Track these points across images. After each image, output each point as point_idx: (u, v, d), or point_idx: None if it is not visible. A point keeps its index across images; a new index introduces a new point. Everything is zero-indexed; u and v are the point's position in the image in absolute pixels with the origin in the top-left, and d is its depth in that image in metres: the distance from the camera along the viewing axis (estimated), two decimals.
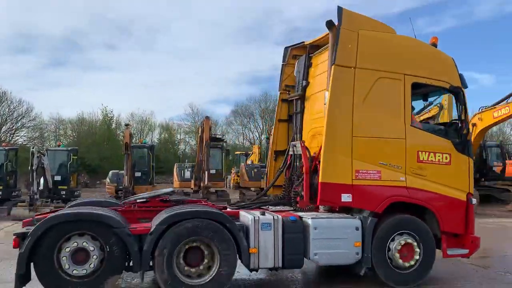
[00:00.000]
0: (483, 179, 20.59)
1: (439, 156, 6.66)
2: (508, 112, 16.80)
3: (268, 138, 18.61)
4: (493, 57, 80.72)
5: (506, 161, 21.22)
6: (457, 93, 6.96)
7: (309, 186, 6.56)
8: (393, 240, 6.26)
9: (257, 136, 57.21)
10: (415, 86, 6.75)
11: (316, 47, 7.74)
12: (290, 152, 7.37)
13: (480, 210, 16.35)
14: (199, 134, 16.02)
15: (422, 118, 9.15)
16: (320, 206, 6.60)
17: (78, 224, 5.26)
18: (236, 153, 37.18)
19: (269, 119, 56.40)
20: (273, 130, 8.55)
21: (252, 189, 21.36)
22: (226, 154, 21.24)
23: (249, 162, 28.96)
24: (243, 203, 7.28)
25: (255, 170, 21.29)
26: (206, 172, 14.97)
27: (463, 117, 6.94)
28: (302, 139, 7.22)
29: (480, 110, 17.98)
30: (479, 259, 8.10)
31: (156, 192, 6.87)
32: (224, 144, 22.27)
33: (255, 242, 5.76)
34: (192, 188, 18.71)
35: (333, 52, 6.31)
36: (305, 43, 8.00)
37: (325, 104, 6.32)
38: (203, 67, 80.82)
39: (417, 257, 6.29)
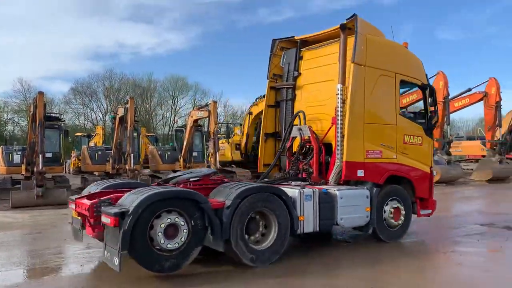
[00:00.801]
0: None
1: (416, 138, 8.35)
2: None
3: (114, 118, 17.32)
4: None
5: None
6: (425, 89, 8.64)
7: (318, 164, 7.81)
8: (387, 204, 7.75)
9: (101, 116, 53.25)
10: (401, 83, 8.21)
11: (305, 42, 8.86)
12: (294, 135, 8.30)
13: None
14: (31, 113, 14.10)
15: None
16: (330, 180, 7.59)
17: (167, 202, 5.63)
18: (76, 134, 34.30)
19: (114, 99, 51.62)
20: (262, 115, 9.75)
21: (96, 173, 19.87)
22: (64, 135, 19.25)
23: (92, 144, 26.99)
24: (267, 180, 8.09)
25: (99, 152, 19.77)
26: (40, 155, 13.23)
27: (433, 109, 8.66)
28: (295, 123, 8.38)
29: None
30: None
31: (201, 171, 7.58)
32: (62, 124, 20.17)
33: (301, 211, 6.69)
34: (23, 174, 16.56)
35: (344, 52, 7.48)
36: (295, 38, 8.98)
37: (337, 94, 7.40)
38: (36, 38, 72.47)
39: (402, 217, 7.89)
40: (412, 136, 8.31)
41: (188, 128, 18.16)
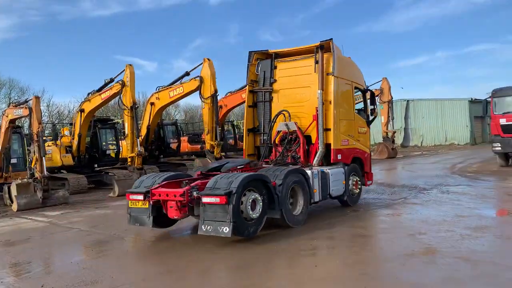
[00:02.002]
0: (161, 156, 21.58)
1: (363, 129, 11.19)
2: (182, 91, 17.69)
3: None
4: (156, 45, 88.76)
5: (181, 138, 23.02)
6: (366, 92, 11.42)
7: (306, 152, 9.94)
8: (349, 179, 10.24)
9: None
10: (354, 88, 10.90)
11: (277, 55, 10.82)
12: (281, 129, 10.10)
13: None
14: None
15: None
16: (314, 163, 9.58)
17: (251, 183, 7.31)
18: None
19: None
20: (244, 115, 11.41)
21: None
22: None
23: None
24: (242, 163, 9.38)
25: None
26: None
27: (372, 107, 11.46)
28: (273, 120, 10.36)
29: (157, 89, 18.39)
30: None
31: (244, 160, 9.64)
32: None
33: (313, 186, 8.86)
34: None
35: (322, 66, 9.74)
36: (269, 51, 10.94)
37: (318, 98, 9.64)
38: None
39: (359, 187, 10.67)
40: (361, 128, 11.13)
41: (2, 131, 15.21)
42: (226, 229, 6.72)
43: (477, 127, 45.93)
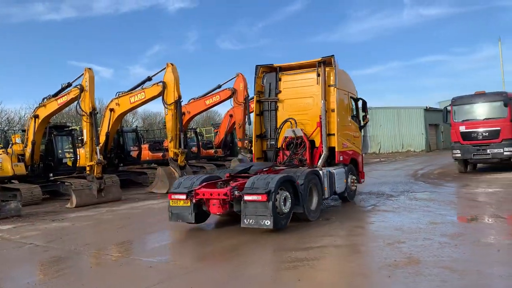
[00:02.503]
0: (121, 164, 20.69)
1: (357, 133, 12.55)
2: (144, 97, 17.06)
3: None
4: (112, 51, 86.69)
5: (142, 145, 22.19)
6: (358, 101, 12.68)
7: (310, 154, 11.02)
8: (348, 177, 11.48)
9: None
10: (350, 98, 12.13)
11: (280, 68, 11.83)
12: (288, 135, 11.16)
13: (124, 195, 15.97)
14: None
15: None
16: (318, 164, 10.63)
17: (283, 183, 8.39)
18: None
19: None
20: (253, 122, 12.53)
21: None
22: None
23: None
24: (267, 166, 10.32)
25: None
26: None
27: (364, 114, 12.86)
28: (278, 127, 11.48)
29: (117, 95, 17.65)
30: None
31: (266, 164, 10.84)
32: None
33: (324, 184, 10.08)
34: None
35: (324, 79, 10.97)
36: (274, 65, 11.90)
37: (322, 107, 10.81)
38: None
39: (355, 185, 12.09)
40: (355, 132, 12.47)
41: None
42: (267, 222, 7.91)
43: (432, 135, 47.57)
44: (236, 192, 8.36)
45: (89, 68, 14.93)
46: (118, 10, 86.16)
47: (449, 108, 18.36)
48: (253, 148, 12.10)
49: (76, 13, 79.76)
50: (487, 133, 17.10)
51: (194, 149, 24.12)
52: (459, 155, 17.77)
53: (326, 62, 11.08)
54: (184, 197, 8.74)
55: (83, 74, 15.05)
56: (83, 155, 16.36)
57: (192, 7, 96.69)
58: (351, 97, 12.23)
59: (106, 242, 8.68)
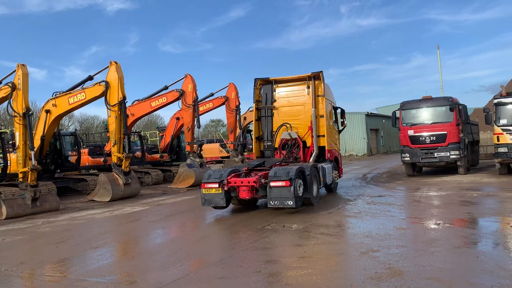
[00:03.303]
0: (58, 170, 19.03)
1: (337, 135, 15.08)
2: (85, 97, 15.79)
3: None
4: (45, 52, 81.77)
5: (82, 150, 20.58)
6: (337, 109, 15.09)
7: (303, 152, 13.21)
8: (333, 172, 13.59)
9: None
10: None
11: (275, 81, 13.92)
12: (284, 137, 13.32)
13: (63, 204, 14.56)
14: None
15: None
16: (310, 161, 12.66)
17: (298, 172, 10.25)
18: None
19: None
20: (253, 126, 14.64)
21: None
22: None
23: None
24: (278, 161, 12.50)
25: None
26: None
27: (342, 119, 15.28)
28: (274, 130, 13.75)
29: (54, 95, 16.20)
30: None
31: (276, 160, 12.65)
32: None
33: (321, 175, 12.17)
34: None
35: (314, 91, 13.30)
36: (270, 78, 13.94)
37: (312, 114, 13.13)
38: None
39: (338, 178, 14.60)
40: (336, 135, 15.01)
41: None
42: (290, 202, 9.88)
43: (372, 139, 48.98)
44: (262, 180, 10.41)
45: (22, 64, 13.46)
46: (52, 8, 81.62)
47: (397, 112, 18.63)
48: (253, 148, 14.21)
49: (5, 10, 74.42)
50: (434, 137, 17.48)
51: (138, 153, 22.85)
52: (408, 158, 18.04)
53: (315, 76, 13.34)
54: (216, 185, 10.62)
55: (15, 71, 13.56)
56: (15, 161, 14.76)
57: (132, 9, 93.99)
58: (332, 106, 14.51)
59: (44, 260, 7.57)
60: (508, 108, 16.18)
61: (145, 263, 6.93)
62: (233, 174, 10.99)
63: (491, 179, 15.78)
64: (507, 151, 15.93)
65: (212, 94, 23.79)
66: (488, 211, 9.69)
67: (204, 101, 23.70)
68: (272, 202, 10.04)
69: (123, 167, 16.05)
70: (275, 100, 13.83)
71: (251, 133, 33.52)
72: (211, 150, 32.61)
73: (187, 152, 20.74)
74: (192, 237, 8.97)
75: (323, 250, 7.14)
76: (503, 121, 16.17)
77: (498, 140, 16.21)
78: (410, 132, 17.95)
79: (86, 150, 21.61)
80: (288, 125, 13.47)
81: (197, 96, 20.25)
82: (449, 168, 19.40)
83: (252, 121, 31.46)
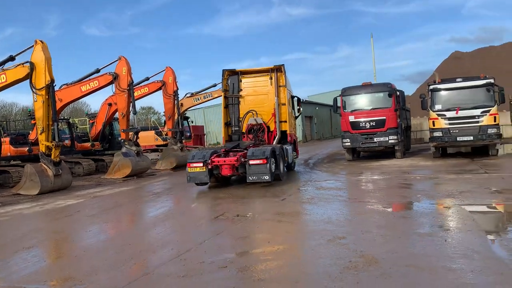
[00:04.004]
0: None
1: (294, 122, 16.75)
2: (5, 80, 14.22)
3: None
4: None
5: (2, 139, 18.54)
6: (294, 98, 16.34)
7: (267, 136, 14.74)
8: (292, 153, 15.43)
9: None
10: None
11: (241, 72, 15.39)
12: (251, 122, 14.86)
13: None
14: None
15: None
16: (274, 143, 14.15)
17: (271, 152, 11.85)
18: None
19: None
20: (222, 113, 15.46)
21: None
22: None
23: None
24: (250, 143, 13.80)
25: None
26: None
27: (298, 107, 16.69)
28: (241, 117, 15.17)
29: None
30: None
31: (250, 142, 13.91)
32: None
33: (285, 155, 13.85)
34: None
35: (277, 81, 14.81)
36: (236, 70, 15.38)
37: (275, 102, 14.61)
38: None
39: (296, 158, 16.56)
40: (294, 121, 16.57)
41: None
42: (266, 177, 11.52)
43: (307, 126, 49.85)
44: (242, 159, 12.08)
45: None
46: None
47: (339, 98, 18.79)
48: (222, 133, 15.32)
49: None
50: (374, 123, 17.86)
51: (67, 142, 21.13)
52: (349, 144, 18.30)
53: (278, 69, 14.88)
54: (201, 164, 12.06)
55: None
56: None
57: None
58: (291, 95, 15.85)
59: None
60: (443, 94, 16.87)
61: (91, 263, 6.13)
62: (215, 155, 12.57)
63: (427, 163, 16.41)
64: (441, 135, 16.63)
65: (147, 78, 22.44)
66: (437, 194, 9.88)
67: (139, 85, 22.35)
68: (251, 177, 11.63)
69: (52, 156, 14.65)
70: (241, 90, 15.26)
71: (188, 120, 32.81)
72: (146, 138, 31.14)
73: (122, 140, 19.44)
74: (141, 231, 8.23)
75: (287, 239, 6.77)
76: (438, 107, 16.83)
77: (434, 125, 16.87)
78: (351, 118, 18.20)
79: (8, 139, 19.57)
80: (254, 112, 15.00)
81: (132, 80, 19.01)
82: (385, 153, 20.01)
83: (189, 107, 30.94)
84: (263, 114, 14.93)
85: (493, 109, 16.14)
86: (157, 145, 30.16)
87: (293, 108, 16.16)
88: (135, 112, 19.33)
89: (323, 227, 7.25)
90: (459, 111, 16.36)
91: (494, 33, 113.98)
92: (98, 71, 19.17)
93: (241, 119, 15.10)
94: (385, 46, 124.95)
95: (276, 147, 12.89)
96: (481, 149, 17.87)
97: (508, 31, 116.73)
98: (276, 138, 14.46)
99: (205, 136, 41.89)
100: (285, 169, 13.75)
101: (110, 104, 22.61)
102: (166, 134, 28.77)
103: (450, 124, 16.51)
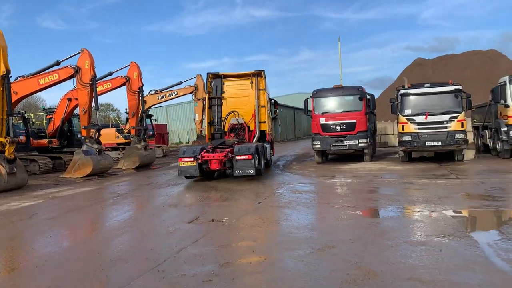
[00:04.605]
0: None
1: (272, 123, 17.64)
2: None
3: None
4: None
5: None
6: (271, 100, 17.71)
7: (248, 135, 16.21)
8: (270, 150, 16.96)
9: None
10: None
11: (224, 76, 16.75)
12: (233, 122, 16.33)
13: None
14: None
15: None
16: (253, 141, 15.41)
17: (256, 149, 13.25)
18: None
19: None
20: (206, 113, 17.33)
21: None
22: None
23: None
24: (234, 141, 15.17)
25: None
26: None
27: (275, 109, 18.37)
28: (224, 117, 16.57)
29: None
30: None
31: (235, 140, 15.35)
32: None
33: (265, 152, 15.33)
34: None
35: (257, 85, 16.36)
36: (220, 73, 16.65)
37: (255, 104, 16.13)
38: None
39: (273, 155, 18.31)
40: (271, 122, 17.48)
41: None
42: (251, 171, 12.87)
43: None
44: (229, 155, 13.39)
45: None
46: None
47: (309, 100, 18.57)
48: (206, 131, 17.09)
49: None
50: (344, 125, 17.74)
51: (22, 138, 19.79)
52: (319, 146, 18.11)
53: (258, 74, 16.33)
54: (191, 159, 13.23)
55: None
56: None
57: None
58: (269, 98, 17.02)
59: None
60: (412, 98, 16.97)
61: (54, 276, 5.44)
62: (204, 151, 13.75)
63: (397, 167, 16.44)
64: (411, 139, 16.72)
65: (111, 73, 21.29)
66: (416, 200, 9.65)
67: (102, 80, 21.24)
68: (237, 171, 12.98)
69: (6, 153, 13.56)
70: (224, 92, 16.63)
71: (152, 118, 31.74)
72: (107, 136, 29.79)
73: (82, 138, 18.36)
74: (109, 237, 7.53)
75: (273, 248, 6.31)
76: (407, 111, 16.91)
77: (403, 129, 16.94)
78: (322, 120, 18.01)
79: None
80: (235, 113, 16.42)
81: (95, 74, 18.00)
82: (354, 156, 19.95)
83: (152, 105, 29.93)
84: (244, 114, 16.40)
85: (461, 115, 16.38)
86: (118, 144, 29.03)
87: (270, 110, 17.23)
88: (97, 108, 18.34)
89: (308, 234, 6.86)
90: (428, 116, 16.48)
91: (447, 43, 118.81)
92: (58, 63, 18.05)
93: (223, 119, 16.51)
94: (344, 51, 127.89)
95: (258, 145, 13.96)
96: (443, 154, 18.14)
97: (460, 41, 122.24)
98: (256, 137, 15.95)
99: (168, 135, 40.86)
100: (264, 165, 14.82)
101: (69, 99, 21.41)
102: (128, 132, 27.69)
103: (419, 129, 16.63)
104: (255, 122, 16.11)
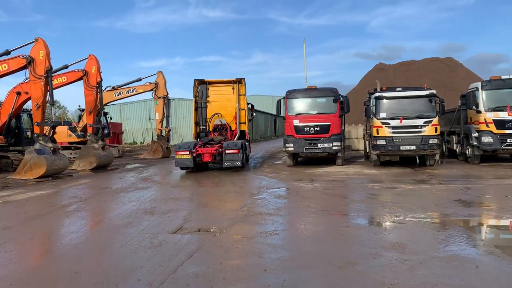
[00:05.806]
0: None
1: (248, 123, 19.68)
2: None
3: None
4: None
5: None
6: (248, 104, 19.57)
7: (230, 134, 18.49)
8: (248, 147, 19.10)
9: None
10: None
11: (209, 82, 19.24)
12: (217, 123, 18.76)
13: None
14: None
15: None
16: (234, 139, 17.69)
17: (242, 145, 16.18)
18: None
19: None
20: (193, 114, 19.37)
21: None
22: None
23: None
24: (221, 139, 17.67)
25: None
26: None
27: (252, 112, 20.55)
28: (209, 118, 19.11)
29: None
30: None
31: (221, 138, 17.77)
32: None
33: (246, 149, 18.22)
34: None
35: (238, 91, 19.01)
36: (205, 80, 19.15)
37: (236, 108, 18.69)
38: None
39: (250, 152, 20.57)
40: (248, 122, 19.34)
41: None
42: (238, 163, 15.65)
43: None
44: (220, 149, 16.06)
45: None
46: None
47: (283, 101, 17.92)
48: (193, 131, 19.37)
49: None
50: (318, 128, 17.22)
51: None
52: (292, 148, 17.48)
53: (239, 81, 18.78)
54: (187, 153, 15.67)
55: None
56: None
57: None
58: (247, 102, 19.06)
59: None
60: (387, 102, 16.73)
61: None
62: (197, 146, 16.39)
63: (372, 171, 16.10)
64: (385, 143, 16.44)
65: (66, 66, 19.54)
66: (413, 207, 9.14)
67: (57, 74, 19.53)
68: (226, 163, 15.53)
69: None
70: (208, 96, 19.13)
71: (107, 115, 29.90)
72: (59, 134, 27.66)
73: (35, 135, 16.65)
74: (85, 253, 6.41)
75: (288, 266, 5.48)
76: (382, 115, 16.64)
77: (378, 133, 16.64)
78: (295, 122, 17.40)
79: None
80: (219, 114, 18.93)
81: (51, 66, 16.41)
82: (325, 159, 19.52)
83: (108, 102, 28.19)
84: (226, 116, 18.94)
85: (435, 120, 16.30)
86: (70, 142, 27.13)
87: (247, 112, 19.44)
88: (52, 103, 16.72)
89: (320, 248, 6.11)
90: (403, 120, 16.29)
91: (394, 51, 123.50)
92: (8, 52, 16.34)
93: (208, 120, 18.99)
94: (296, 55, 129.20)
95: (242, 142, 16.65)
96: (409, 158, 18.06)
97: (405, 50, 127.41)
98: (237, 136, 18.36)
99: (122, 134, 38.92)
100: (247, 161, 18.12)
101: (19, 93, 19.47)
102: (82, 131, 25.93)
103: (394, 132, 16.39)
104: (236, 123, 18.64)
